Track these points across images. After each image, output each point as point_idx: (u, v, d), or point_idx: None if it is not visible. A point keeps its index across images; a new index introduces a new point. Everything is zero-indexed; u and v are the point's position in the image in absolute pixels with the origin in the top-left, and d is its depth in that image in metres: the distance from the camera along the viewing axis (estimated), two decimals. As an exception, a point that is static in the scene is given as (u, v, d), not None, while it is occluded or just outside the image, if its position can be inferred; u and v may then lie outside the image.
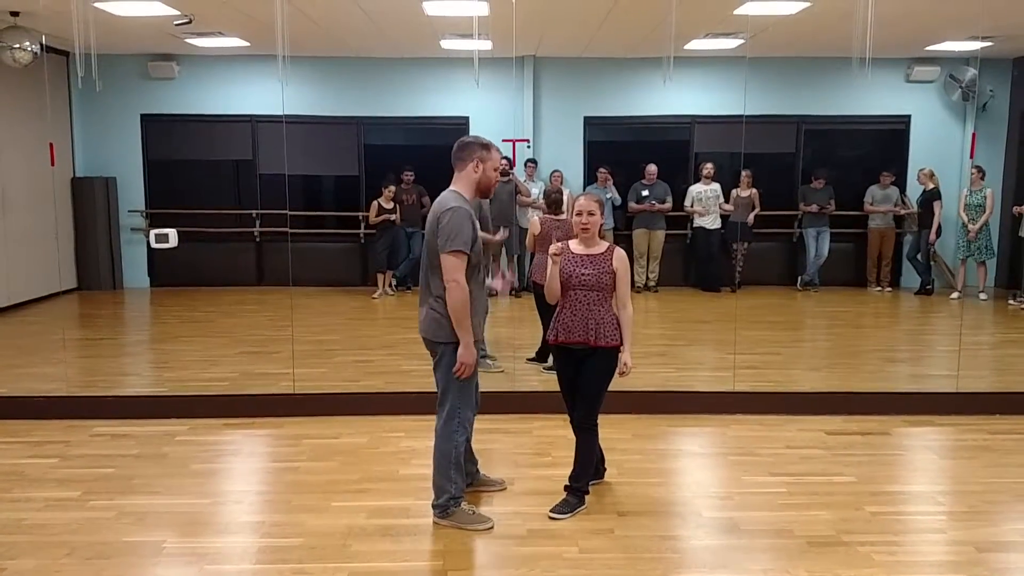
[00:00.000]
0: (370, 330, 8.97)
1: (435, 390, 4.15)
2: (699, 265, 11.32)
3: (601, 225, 4.26)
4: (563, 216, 6.72)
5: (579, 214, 4.19)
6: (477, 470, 4.49)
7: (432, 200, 4.25)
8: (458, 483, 4.08)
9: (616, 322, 4.17)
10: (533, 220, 6.78)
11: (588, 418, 4.24)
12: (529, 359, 7.08)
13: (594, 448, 4.33)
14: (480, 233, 4.06)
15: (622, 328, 4.17)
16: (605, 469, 4.59)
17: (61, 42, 9.29)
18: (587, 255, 4.21)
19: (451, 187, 4.04)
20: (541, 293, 6.22)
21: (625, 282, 4.19)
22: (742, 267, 11.17)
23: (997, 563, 3.76)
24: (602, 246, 4.23)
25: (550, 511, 4.21)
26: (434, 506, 4.10)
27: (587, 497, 4.32)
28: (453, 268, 3.83)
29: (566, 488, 4.29)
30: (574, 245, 4.26)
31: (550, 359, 6.91)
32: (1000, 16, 8.25)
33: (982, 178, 10.34)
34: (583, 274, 4.16)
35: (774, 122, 11.46)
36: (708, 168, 11.02)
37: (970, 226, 10.29)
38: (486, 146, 4.03)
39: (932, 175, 10.76)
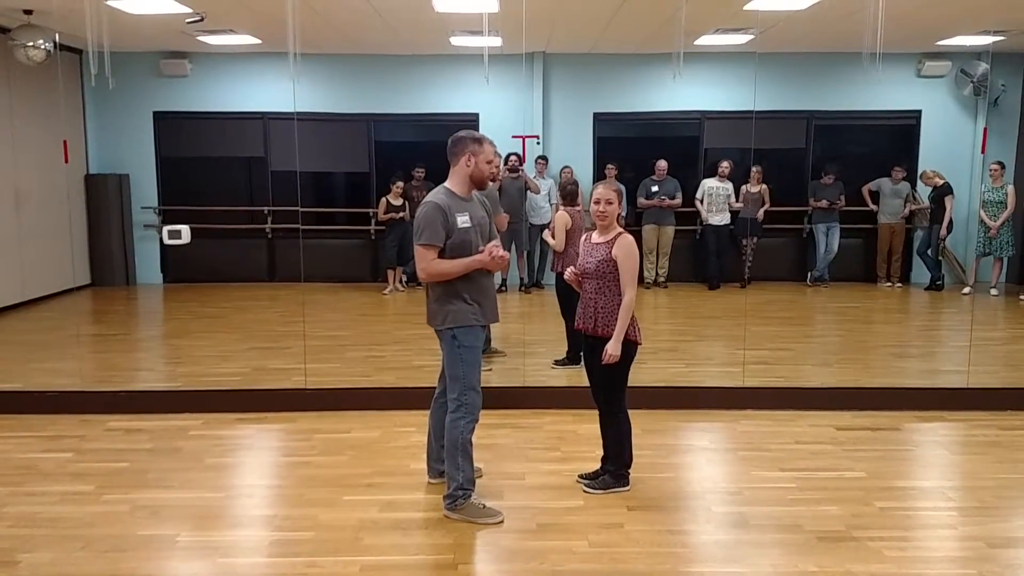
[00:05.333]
0: (381, 326, 9.00)
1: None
2: (706, 261, 11.29)
3: (619, 215, 4.35)
4: (579, 207, 6.77)
5: (596, 202, 4.30)
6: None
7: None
8: (466, 471, 4.11)
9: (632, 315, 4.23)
10: (561, 214, 6.68)
11: (606, 403, 4.39)
12: (557, 361, 6.95)
13: (618, 432, 4.40)
14: (485, 221, 4.17)
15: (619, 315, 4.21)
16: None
17: (74, 40, 9.36)
18: (597, 244, 4.33)
19: (444, 183, 4.15)
20: (566, 287, 6.24)
21: (624, 269, 4.21)
22: (752, 263, 11.16)
23: (1008, 559, 3.76)
24: (611, 234, 4.27)
25: (584, 481, 4.45)
26: (444, 497, 4.15)
27: (630, 479, 4.44)
28: (420, 258, 4.02)
29: (602, 469, 4.50)
30: (594, 234, 4.40)
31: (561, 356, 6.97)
32: (1012, 10, 8.20)
33: (1003, 174, 10.29)
34: (588, 262, 4.32)
35: (784, 118, 11.43)
36: (724, 166, 10.99)
37: (990, 223, 10.22)
38: (478, 140, 4.11)
39: (936, 174, 10.72)
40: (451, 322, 4.06)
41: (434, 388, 4.48)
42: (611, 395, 4.36)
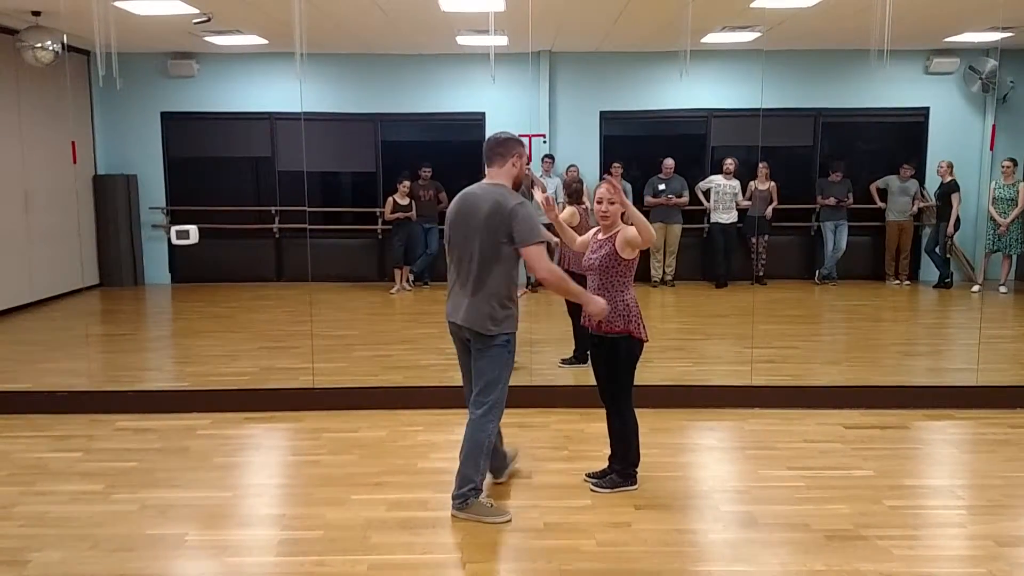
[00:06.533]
0: (388, 325, 9.02)
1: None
2: (714, 259, 11.27)
3: (623, 213, 4.33)
4: (584, 204, 6.78)
5: (599, 202, 4.30)
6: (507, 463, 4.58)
7: (448, 195, 4.32)
8: (483, 474, 4.12)
9: (621, 310, 4.22)
10: (570, 209, 6.68)
11: (612, 401, 4.39)
12: (564, 360, 6.94)
13: (624, 431, 4.39)
14: None
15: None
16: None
17: (82, 41, 9.37)
18: (601, 240, 4.35)
19: (492, 181, 4.06)
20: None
21: (636, 227, 4.13)
22: (765, 260, 11.14)
23: (1017, 558, 3.74)
24: (614, 230, 4.28)
25: (591, 480, 4.45)
26: (454, 496, 4.11)
27: (637, 478, 4.43)
28: (540, 257, 3.94)
29: (610, 468, 4.50)
30: (599, 232, 4.40)
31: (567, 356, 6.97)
32: (1020, 7, 8.16)
33: (1015, 171, 10.24)
34: (592, 258, 4.33)
35: (791, 115, 11.40)
36: (729, 164, 10.96)
37: (999, 220, 10.17)
38: (520, 142, 4.16)
39: (951, 168, 10.69)
40: (506, 328, 4.01)
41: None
42: (616, 393, 4.36)
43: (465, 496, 4.09)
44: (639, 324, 4.26)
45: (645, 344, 4.33)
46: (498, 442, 4.35)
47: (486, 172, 4.10)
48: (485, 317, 3.98)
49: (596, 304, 4.08)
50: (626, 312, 4.23)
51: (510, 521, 4.06)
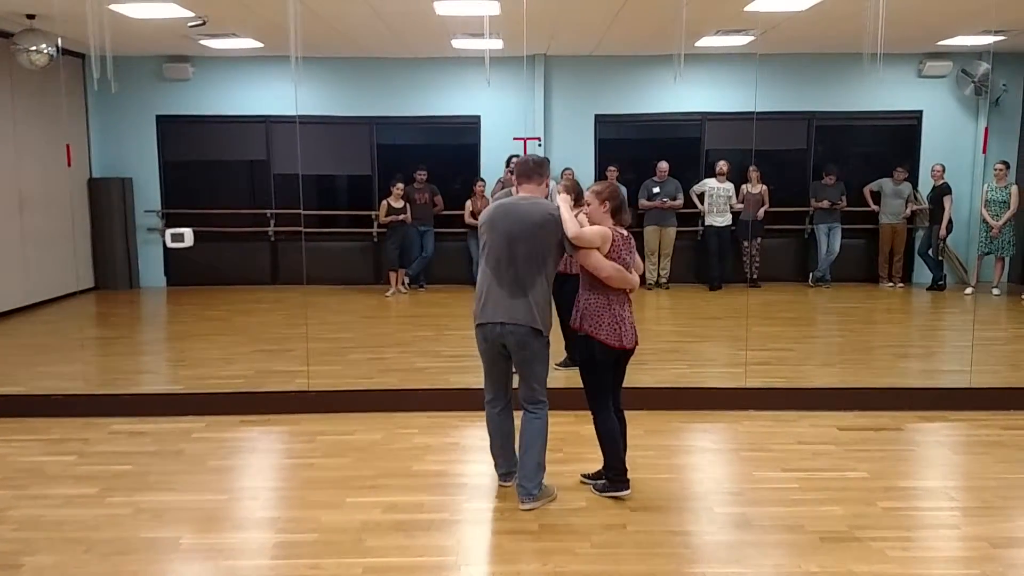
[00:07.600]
0: (384, 328, 9.02)
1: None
2: (708, 262, 11.27)
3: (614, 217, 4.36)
4: (582, 207, 6.79)
5: (588, 203, 4.34)
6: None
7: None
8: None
9: (582, 307, 4.26)
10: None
11: (589, 404, 4.38)
12: (559, 363, 6.77)
13: (600, 435, 4.36)
14: None
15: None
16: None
17: (77, 44, 9.38)
18: None
19: (532, 196, 4.32)
20: (566, 288, 6.21)
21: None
22: (758, 263, 11.16)
23: (1011, 559, 3.76)
24: None
25: (589, 481, 4.46)
26: (536, 485, 4.23)
27: (629, 483, 4.38)
28: (589, 256, 4.19)
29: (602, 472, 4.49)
30: None
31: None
32: (1013, 10, 8.20)
33: (1007, 173, 10.28)
34: (575, 260, 4.36)
35: (785, 119, 11.44)
36: (722, 165, 10.99)
37: (992, 222, 10.22)
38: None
39: (943, 170, 10.73)
40: (550, 326, 4.26)
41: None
42: (588, 394, 4.36)
43: (540, 483, 4.22)
44: (598, 325, 4.19)
45: (617, 349, 4.22)
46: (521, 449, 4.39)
47: (521, 186, 4.40)
48: (544, 314, 4.20)
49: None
50: (586, 311, 4.24)
51: (555, 498, 4.28)
